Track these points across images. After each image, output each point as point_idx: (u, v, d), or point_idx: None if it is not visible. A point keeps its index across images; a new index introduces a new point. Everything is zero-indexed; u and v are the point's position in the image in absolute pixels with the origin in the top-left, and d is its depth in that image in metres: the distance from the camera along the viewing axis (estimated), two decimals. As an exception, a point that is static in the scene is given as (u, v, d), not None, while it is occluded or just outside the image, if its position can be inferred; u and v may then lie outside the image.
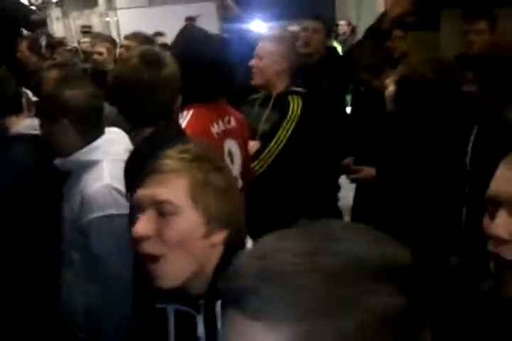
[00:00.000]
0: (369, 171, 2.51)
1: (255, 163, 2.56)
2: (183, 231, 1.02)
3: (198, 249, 1.03)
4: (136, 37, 3.90)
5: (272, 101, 2.77)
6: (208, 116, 2.22)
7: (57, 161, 1.98)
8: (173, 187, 1.03)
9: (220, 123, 2.26)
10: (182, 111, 2.14)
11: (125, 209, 1.81)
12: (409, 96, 2.16)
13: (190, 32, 2.41)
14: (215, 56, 2.23)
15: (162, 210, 1.03)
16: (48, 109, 1.90)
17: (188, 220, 1.03)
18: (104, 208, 1.82)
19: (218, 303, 1.00)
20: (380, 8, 4.51)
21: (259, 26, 8.74)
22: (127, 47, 3.70)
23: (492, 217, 0.99)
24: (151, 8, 11.03)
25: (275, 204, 2.61)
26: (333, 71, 3.51)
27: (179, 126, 1.93)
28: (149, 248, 1.02)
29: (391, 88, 2.32)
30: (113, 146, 1.95)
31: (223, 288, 0.54)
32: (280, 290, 0.50)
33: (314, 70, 3.53)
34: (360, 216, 2.97)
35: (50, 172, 2.10)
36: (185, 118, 2.12)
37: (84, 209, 1.84)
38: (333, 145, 3.07)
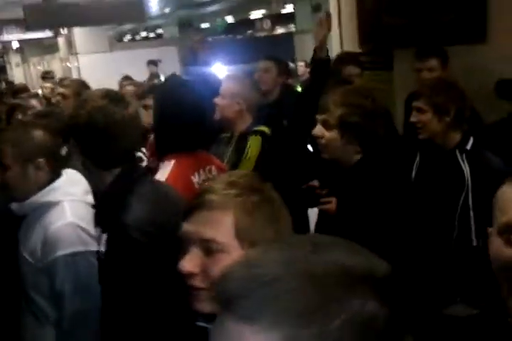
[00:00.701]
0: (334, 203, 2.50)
1: None
2: None
3: None
4: (73, 84, 3.95)
5: (234, 140, 2.83)
6: (189, 165, 2.23)
7: (14, 205, 1.96)
8: (219, 226, 1.02)
9: (202, 172, 2.27)
10: (162, 160, 2.14)
11: (91, 246, 1.81)
12: (358, 132, 2.19)
13: (170, 84, 2.45)
14: (196, 108, 2.25)
15: (208, 248, 1.02)
16: (20, 153, 1.88)
17: (234, 258, 1.00)
18: (69, 246, 1.81)
19: None
20: (336, 50, 4.68)
21: (219, 69, 8.94)
22: (63, 95, 3.76)
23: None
24: (113, 53, 11.15)
25: None
26: (292, 109, 3.58)
27: (142, 166, 1.93)
28: (195, 282, 1.02)
29: (328, 134, 2.35)
30: (72, 187, 1.96)
31: (216, 293, 0.56)
32: (269, 294, 0.52)
33: (273, 108, 3.61)
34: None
35: (5, 218, 2.06)
36: (166, 168, 2.12)
37: (48, 249, 1.82)
38: (294, 183, 3.09)
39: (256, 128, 2.83)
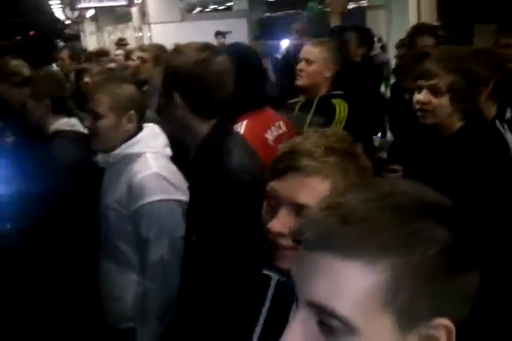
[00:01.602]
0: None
1: None
2: None
3: None
4: (152, 48, 4.03)
5: (314, 104, 2.85)
6: (262, 123, 2.28)
7: (100, 157, 2.06)
8: (315, 193, 1.00)
9: (273, 129, 2.33)
10: (235, 122, 2.18)
11: (175, 195, 1.89)
12: (466, 98, 2.14)
13: (236, 46, 2.50)
14: (259, 65, 2.34)
15: (299, 211, 1.02)
16: (117, 104, 1.97)
17: None
18: (154, 194, 1.87)
19: None
20: (413, 23, 4.58)
21: (287, 43, 8.89)
22: (142, 59, 3.85)
23: None
24: (184, 22, 11.27)
25: None
26: (369, 77, 3.58)
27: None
28: (282, 242, 1.03)
29: (436, 100, 2.30)
30: (154, 140, 2.04)
31: (306, 236, 0.60)
32: (365, 230, 0.57)
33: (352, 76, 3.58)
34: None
35: (91, 165, 2.18)
36: (240, 129, 2.17)
37: (133, 197, 1.89)
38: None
39: (335, 92, 2.87)
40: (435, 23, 4.32)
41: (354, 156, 1.05)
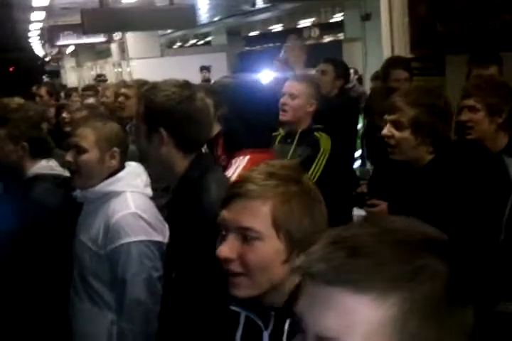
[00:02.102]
0: (384, 206, 2.51)
1: None
2: (265, 257, 1.06)
3: (278, 273, 1.07)
4: (135, 84, 4.03)
5: (296, 137, 2.92)
6: (263, 161, 2.29)
7: (78, 193, 2.04)
8: (257, 215, 1.06)
9: None
10: (237, 156, 2.17)
11: (153, 236, 1.88)
12: (432, 132, 2.16)
13: (242, 82, 2.53)
14: (270, 104, 2.35)
15: (245, 235, 1.06)
16: (102, 139, 1.98)
17: (270, 247, 1.06)
18: (132, 234, 1.86)
19: (287, 322, 1.03)
20: (387, 56, 4.68)
21: (267, 76, 9.02)
22: (126, 96, 3.85)
23: None
24: (164, 57, 11.40)
25: None
26: (344, 114, 3.62)
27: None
28: (232, 267, 1.07)
29: (401, 135, 2.31)
30: (135, 179, 2.03)
31: (314, 270, 0.60)
32: (374, 264, 0.57)
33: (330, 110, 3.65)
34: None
35: (70, 206, 2.16)
36: (240, 163, 2.16)
37: (110, 237, 1.88)
38: (344, 182, 3.14)
39: (317, 126, 2.95)
40: (409, 55, 4.42)
41: (296, 180, 1.08)
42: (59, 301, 2.13)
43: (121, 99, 3.87)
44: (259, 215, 1.05)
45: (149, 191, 2.07)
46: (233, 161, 2.18)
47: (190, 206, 1.64)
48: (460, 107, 2.36)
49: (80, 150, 1.97)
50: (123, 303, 1.87)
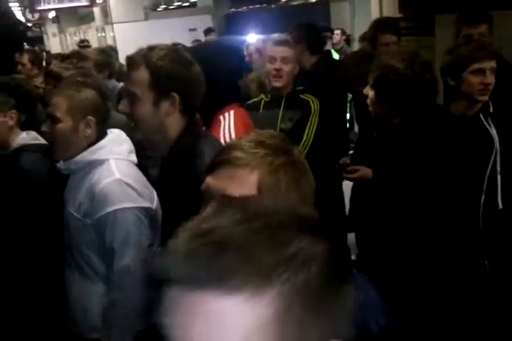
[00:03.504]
0: (366, 171, 2.53)
1: None
2: None
3: None
4: (90, 54, 3.96)
5: (283, 101, 2.90)
6: (245, 113, 2.41)
7: (61, 164, 2.00)
8: (243, 183, 1.03)
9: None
10: (221, 113, 2.22)
11: (140, 202, 1.86)
12: (390, 94, 2.23)
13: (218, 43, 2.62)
14: (241, 62, 2.46)
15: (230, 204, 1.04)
16: (75, 108, 1.93)
17: None
18: (117, 202, 1.82)
19: None
20: (375, 16, 4.59)
21: (253, 38, 8.86)
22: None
23: None
24: (148, 21, 11.14)
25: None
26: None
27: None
28: None
29: (370, 94, 2.40)
30: (118, 146, 2.00)
31: (177, 274, 0.52)
32: (242, 260, 0.50)
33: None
34: (356, 219, 3.01)
35: (57, 177, 2.13)
36: (228, 118, 2.22)
37: (97, 205, 1.84)
38: (336, 144, 3.14)
39: (300, 88, 2.96)
40: (397, 15, 4.34)
41: (285, 151, 1.05)
42: (53, 274, 2.14)
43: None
44: (245, 184, 1.03)
45: (134, 158, 2.04)
46: (220, 118, 2.21)
47: (185, 173, 1.61)
48: (479, 69, 2.31)
49: (54, 120, 1.93)
50: (112, 273, 1.85)
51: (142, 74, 1.67)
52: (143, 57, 1.68)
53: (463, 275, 2.34)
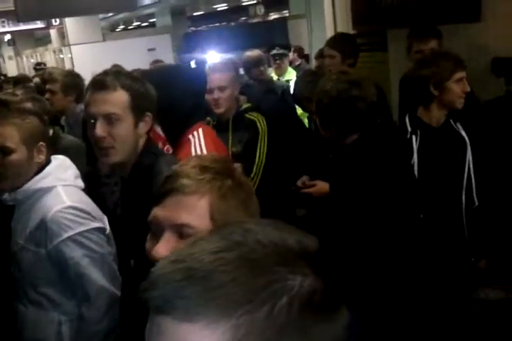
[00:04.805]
0: (322, 185, 2.54)
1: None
2: None
3: None
4: (58, 77, 3.80)
5: (230, 123, 2.92)
6: (211, 130, 2.50)
7: (6, 195, 1.94)
8: (194, 211, 1.02)
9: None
10: (190, 132, 2.26)
11: (94, 224, 1.86)
12: (329, 118, 2.28)
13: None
14: (199, 81, 2.45)
15: (182, 233, 1.01)
16: (28, 136, 1.87)
17: None
18: (74, 227, 1.82)
19: None
20: (330, 32, 4.65)
21: (213, 57, 8.89)
22: (52, 92, 3.67)
23: None
24: (106, 42, 11.06)
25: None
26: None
27: None
28: None
29: (317, 120, 2.44)
30: (64, 172, 1.97)
31: (146, 298, 0.53)
32: (206, 288, 0.51)
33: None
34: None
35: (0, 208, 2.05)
36: (198, 136, 2.25)
37: (50, 234, 1.82)
38: (292, 161, 3.13)
39: (244, 108, 2.97)
40: (351, 32, 4.39)
41: (229, 174, 1.06)
42: (3, 311, 2.06)
43: (47, 95, 3.68)
44: (195, 211, 1.02)
45: (81, 183, 2.02)
46: (190, 137, 2.25)
47: (144, 192, 1.60)
48: (460, 78, 2.44)
49: (6, 151, 1.86)
50: (88, 294, 1.84)
51: (121, 95, 1.68)
52: (116, 79, 1.68)
53: (451, 276, 2.39)
